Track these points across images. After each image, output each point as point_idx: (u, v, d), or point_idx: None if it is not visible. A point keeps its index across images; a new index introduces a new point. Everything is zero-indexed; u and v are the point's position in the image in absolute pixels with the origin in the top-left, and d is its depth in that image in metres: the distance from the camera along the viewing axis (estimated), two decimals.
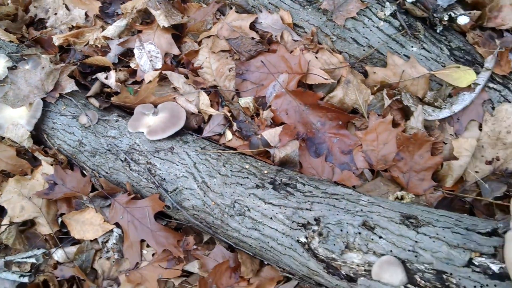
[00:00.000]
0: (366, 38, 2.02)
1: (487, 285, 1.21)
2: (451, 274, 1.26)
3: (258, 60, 2.16)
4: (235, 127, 2.07)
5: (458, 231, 1.34)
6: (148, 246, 1.91)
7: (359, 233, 1.43)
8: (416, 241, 1.34)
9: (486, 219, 1.45)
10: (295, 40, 2.15)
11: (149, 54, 2.27)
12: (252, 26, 2.23)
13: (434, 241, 1.33)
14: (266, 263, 1.80)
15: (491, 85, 1.89)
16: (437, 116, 1.88)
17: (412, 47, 1.96)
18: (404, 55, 1.97)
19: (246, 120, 2.12)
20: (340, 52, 2.09)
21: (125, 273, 1.85)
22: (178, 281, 1.80)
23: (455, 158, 1.81)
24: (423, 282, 1.31)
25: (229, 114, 2.08)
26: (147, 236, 1.87)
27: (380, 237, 1.40)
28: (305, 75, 2.05)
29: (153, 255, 1.88)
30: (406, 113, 1.94)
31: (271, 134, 1.96)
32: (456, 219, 1.40)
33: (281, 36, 2.15)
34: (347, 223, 1.46)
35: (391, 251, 1.37)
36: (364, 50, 2.03)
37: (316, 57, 2.07)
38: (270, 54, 2.16)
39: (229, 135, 2.04)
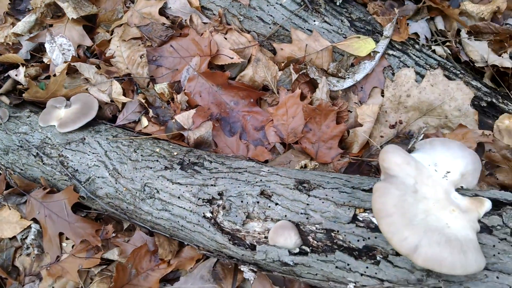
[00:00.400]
0: (271, 15, 2.05)
1: (368, 238, 1.27)
2: (338, 231, 1.32)
3: (171, 46, 2.16)
4: (151, 113, 2.07)
5: (345, 190, 1.40)
6: (67, 238, 1.90)
7: (258, 202, 1.47)
8: (307, 204, 1.40)
9: (374, 177, 1.51)
10: (204, 23, 2.16)
11: (61, 48, 2.24)
12: (162, 12, 2.23)
13: (323, 202, 1.38)
14: (186, 244, 1.82)
15: (390, 52, 1.96)
16: (341, 86, 1.94)
17: (314, 21, 2.01)
18: (307, 29, 2.01)
19: (162, 106, 2.13)
20: (249, 32, 2.12)
21: (46, 268, 1.84)
22: (98, 269, 1.80)
23: (360, 125, 1.87)
24: (315, 242, 1.36)
25: (143, 101, 2.07)
26: (65, 228, 1.86)
27: (277, 204, 1.44)
28: (215, 57, 2.07)
29: (72, 247, 1.87)
30: (314, 86, 1.99)
31: (184, 117, 1.97)
32: (345, 180, 1.46)
33: (190, 19, 2.16)
34: (246, 194, 1.50)
35: (285, 216, 1.41)
36: (270, 27, 2.07)
37: (226, 38, 2.10)
38: (182, 39, 2.17)
39: (144, 121, 2.05)
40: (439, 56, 1.98)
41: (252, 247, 1.48)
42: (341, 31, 1.99)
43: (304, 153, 1.90)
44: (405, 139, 1.91)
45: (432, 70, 1.89)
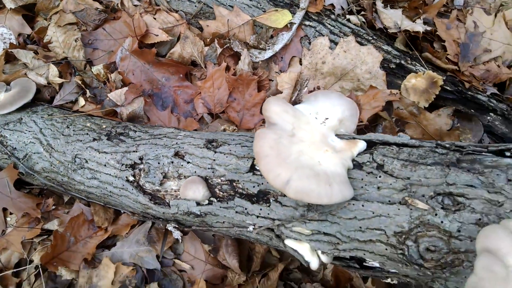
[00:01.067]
0: None
1: (262, 183, 1.40)
2: (238, 180, 1.45)
3: (105, 29, 2.27)
4: (88, 93, 2.19)
5: (246, 145, 1.53)
6: (11, 213, 2.01)
7: (172, 162, 1.60)
8: (214, 160, 1.52)
9: None
10: (135, 5, 2.27)
11: (2, 37, 2.34)
12: None
13: (227, 157, 1.51)
14: (122, 212, 1.94)
15: (307, 22, 2.09)
16: (262, 57, 2.06)
17: None
18: (229, 5, 2.13)
19: (99, 86, 2.24)
20: (177, 11, 2.24)
21: None
22: (39, 239, 1.92)
23: (280, 92, 2.01)
24: (221, 193, 1.49)
25: (80, 82, 2.18)
26: (8, 204, 1.97)
27: (188, 162, 1.57)
28: (145, 36, 2.18)
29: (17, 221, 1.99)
30: (239, 58, 2.11)
31: (117, 94, 2.09)
32: (249, 136, 1.59)
33: (121, 3, 2.27)
34: (162, 156, 1.63)
35: (195, 172, 1.54)
36: (195, 6, 2.19)
37: (155, 18, 2.21)
38: (115, 21, 2.28)
39: (81, 101, 2.16)
40: (354, 24, 2.11)
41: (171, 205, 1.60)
42: (261, 5, 2.11)
43: (230, 121, 2.03)
44: None
45: (345, 38, 2.02)
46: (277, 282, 1.81)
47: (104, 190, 1.78)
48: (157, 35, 2.08)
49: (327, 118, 1.37)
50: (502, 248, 0.94)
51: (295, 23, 2.05)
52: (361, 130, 1.98)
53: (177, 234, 1.73)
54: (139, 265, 1.87)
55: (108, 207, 1.92)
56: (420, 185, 1.17)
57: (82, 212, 1.90)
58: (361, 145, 1.32)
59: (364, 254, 1.26)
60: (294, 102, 1.83)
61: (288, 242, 1.36)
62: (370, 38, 2.05)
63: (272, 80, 2.05)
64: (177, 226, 1.70)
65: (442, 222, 1.10)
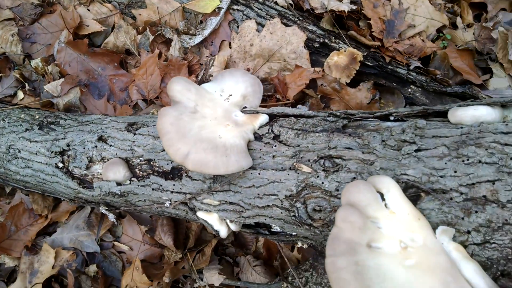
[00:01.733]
0: None
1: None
2: (154, 159, 1.52)
3: (42, 23, 2.31)
4: (27, 87, 2.23)
5: None
6: None
7: (96, 146, 1.66)
8: (133, 141, 1.59)
9: None
10: None
11: None
12: None
13: (145, 138, 1.58)
14: (62, 199, 2.00)
15: (235, 7, 2.15)
16: (193, 42, 2.12)
17: None
18: None
19: (38, 79, 2.28)
20: (110, 2, 2.28)
21: None
22: None
23: (210, 75, 2.07)
24: (141, 172, 1.56)
25: (19, 76, 2.23)
26: None
27: (111, 146, 1.63)
28: (80, 28, 2.23)
29: None
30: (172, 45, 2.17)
31: (53, 86, 2.14)
32: None
33: None
34: (87, 141, 1.69)
35: (116, 154, 1.61)
36: None
37: (89, 10, 2.26)
38: (51, 15, 2.32)
39: (20, 94, 2.21)
40: (281, 7, 2.18)
41: None
42: None
43: (163, 106, 2.09)
44: None
45: (271, 20, 2.09)
46: (212, 257, 1.89)
47: (37, 178, 1.83)
48: (87, 26, 2.12)
49: (231, 95, 1.44)
50: (361, 201, 1.03)
51: (222, 8, 2.11)
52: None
53: (111, 217, 1.79)
54: (79, 249, 1.93)
55: (47, 195, 1.98)
56: (307, 151, 1.25)
57: (21, 201, 1.95)
58: (263, 118, 1.39)
59: (265, 220, 1.34)
60: (201, 81, 1.90)
61: (200, 214, 1.44)
62: (297, 19, 2.12)
63: (202, 64, 2.11)
64: (108, 208, 1.76)
65: (323, 183, 1.19)
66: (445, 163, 1.05)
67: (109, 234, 1.98)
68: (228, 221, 1.42)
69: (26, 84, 2.22)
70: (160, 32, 2.14)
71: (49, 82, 2.23)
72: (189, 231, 1.96)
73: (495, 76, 2.10)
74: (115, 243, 1.97)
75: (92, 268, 1.90)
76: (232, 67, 2.12)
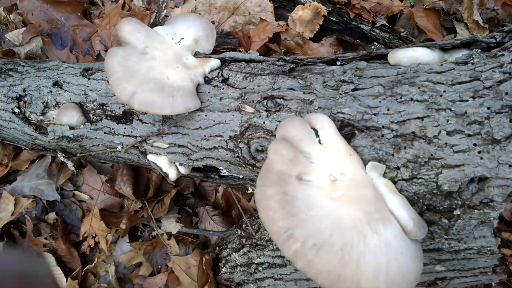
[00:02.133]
0: None
1: (126, 105, 1.47)
2: (107, 104, 1.52)
3: None
4: None
5: None
6: None
7: (51, 91, 1.65)
8: (87, 86, 1.58)
9: None
10: None
11: None
12: None
13: (99, 82, 1.57)
14: (23, 148, 1.99)
15: None
16: None
17: None
18: None
19: (0, 29, 2.23)
20: None
21: None
22: None
23: None
24: (94, 117, 1.56)
25: None
26: None
27: (66, 91, 1.62)
28: None
29: None
30: None
31: (14, 35, 2.10)
32: None
33: None
34: (43, 86, 1.67)
35: (70, 99, 1.60)
36: None
37: None
38: None
39: None
40: None
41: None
42: None
43: None
44: (219, 38, 2.10)
45: None
46: (171, 206, 1.91)
47: None
48: None
49: (182, 38, 1.43)
50: (295, 136, 1.05)
51: None
52: None
53: (70, 165, 1.79)
54: (39, 197, 1.94)
55: (7, 144, 1.97)
56: (252, 92, 1.26)
57: None
58: (213, 62, 1.39)
59: (213, 162, 1.36)
60: (154, 25, 1.88)
61: (150, 156, 1.45)
62: None
63: (167, 16, 2.09)
64: (65, 155, 1.76)
65: (264, 122, 1.20)
66: (379, 102, 1.07)
67: (69, 183, 1.99)
68: (177, 164, 1.43)
69: None
70: None
71: (11, 31, 2.18)
72: (149, 182, 1.98)
73: (459, 35, 2.11)
74: (76, 192, 1.98)
75: (52, 216, 1.92)
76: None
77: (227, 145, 1.29)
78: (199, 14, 2.09)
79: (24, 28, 2.11)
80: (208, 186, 2.00)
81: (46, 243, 1.87)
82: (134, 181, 1.93)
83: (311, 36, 1.99)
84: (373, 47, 2.07)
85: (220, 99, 1.31)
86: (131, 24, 1.37)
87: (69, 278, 1.78)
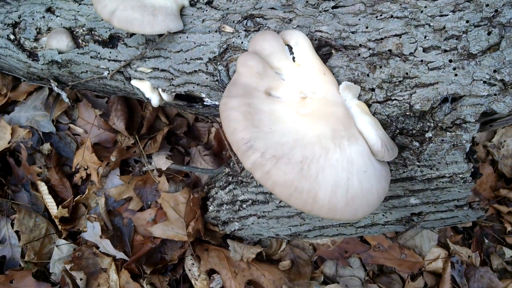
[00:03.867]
0: None
1: (113, 28, 1.45)
2: (95, 28, 1.50)
3: None
4: None
5: None
6: None
7: (43, 17, 1.64)
8: (78, 11, 1.56)
9: None
10: None
11: None
12: None
13: (89, 7, 1.55)
14: (22, 80, 2.01)
15: None
16: None
17: None
18: None
19: None
20: None
21: None
22: None
23: None
24: (83, 43, 1.55)
25: None
26: None
27: (57, 16, 1.61)
28: None
29: None
30: None
31: None
32: None
33: None
34: (36, 11, 1.66)
35: (61, 24, 1.59)
36: None
37: None
38: None
39: None
40: None
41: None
42: None
43: None
44: None
45: None
46: (164, 144, 1.91)
47: None
48: None
49: None
50: (265, 49, 1.01)
51: None
52: None
53: (64, 96, 1.79)
54: (36, 128, 1.97)
55: (5, 74, 1.98)
56: (234, 13, 1.22)
57: None
58: None
59: (194, 87, 1.33)
60: None
61: (133, 82, 1.44)
62: None
63: None
64: (58, 85, 1.77)
65: (242, 42, 1.16)
66: (359, 19, 1.02)
67: (65, 116, 2.01)
68: (160, 90, 1.41)
69: None
70: None
71: None
72: (143, 119, 1.97)
73: None
74: (71, 125, 1.99)
75: (46, 147, 1.94)
76: None
77: (206, 68, 1.26)
78: None
79: None
80: (201, 126, 1.98)
81: (40, 172, 1.90)
82: (127, 117, 1.93)
83: None
84: None
85: (203, 20, 1.27)
86: None
87: (60, 207, 1.81)
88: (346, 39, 1.01)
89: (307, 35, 1.05)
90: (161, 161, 1.83)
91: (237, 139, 0.91)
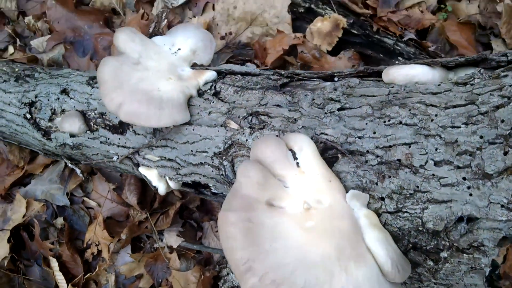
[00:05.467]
0: None
1: None
2: (106, 113, 1.50)
3: None
4: (18, 42, 2.27)
5: None
6: None
7: (58, 98, 1.67)
8: (90, 94, 1.58)
9: None
10: None
11: None
12: None
13: None
14: (39, 153, 2.04)
15: None
16: (177, 2, 2.08)
17: None
18: None
19: (29, 36, 2.32)
20: None
21: None
22: None
23: None
24: (95, 126, 1.55)
25: (11, 31, 2.27)
26: None
27: (71, 98, 1.63)
28: None
29: None
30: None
31: (39, 42, 2.17)
32: None
33: None
34: (52, 93, 1.70)
35: (74, 106, 1.61)
36: None
37: None
38: None
39: (11, 49, 2.25)
40: None
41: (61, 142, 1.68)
42: None
43: None
44: (235, 49, 2.06)
45: None
46: (176, 219, 1.88)
47: (11, 129, 1.87)
48: None
49: (179, 49, 1.39)
50: (268, 157, 0.97)
51: None
52: None
53: (78, 171, 1.80)
54: (50, 201, 1.97)
55: (23, 147, 2.01)
56: (240, 107, 1.19)
57: (1, 152, 2.00)
58: (209, 74, 1.34)
59: (200, 178, 1.30)
60: (153, 34, 1.85)
61: (141, 169, 1.42)
62: None
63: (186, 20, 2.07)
64: (72, 162, 1.78)
65: (247, 140, 1.13)
66: (366, 124, 0.97)
67: (80, 189, 2.00)
68: (167, 178, 1.39)
69: (18, 39, 2.26)
70: None
71: (37, 39, 2.25)
72: (156, 193, 1.94)
73: (495, 52, 1.93)
74: (85, 198, 1.99)
75: (60, 221, 1.94)
76: (214, 30, 2.06)
77: (212, 162, 1.22)
78: (217, 24, 2.06)
79: (48, 36, 2.16)
80: (214, 200, 1.93)
81: (52, 248, 1.88)
82: (140, 191, 1.91)
83: (329, 49, 1.90)
84: (396, 62, 1.93)
85: (209, 113, 1.25)
86: (126, 33, 1.35)
87: (69, 285, 1.78)
88: (352, 144, 0.96)
89: (312, 138, 1.01)
90: (172, 238, 1.79)
91: (235, 259, 0.86)
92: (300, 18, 1.99)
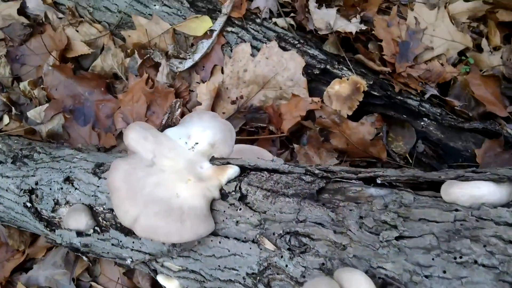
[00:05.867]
0: (116, 4, 2.08)
1: None
2: None
3: (31, 43, 2.21)
4: (14, 111, 2.13)
5: None
6: None
7: (62, 188, 1.52)
8: (98, 186, 1.44)
9: None
10: (60, 18, 2.19)
11: None
12: (24, 12, 2.27)
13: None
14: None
15: (229, 29, 1.96)
16: (183, 67, 1.96)
17: (154, 5, 2.02)
18: (148, 14, 2.03)
19: (25, 103, 2.18)
20: (100, 22, 2.14)
21: None
22: None
23: (200, 104, 1.90)
24: (104, 222, 1.41)
25: (5, 99, 2.13)
26: None
27: (76, 189, 1.49)
28: (68, 50, 2.11)
29: None
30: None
31: (36, 112, 2.03)
32: None
33: (45, 16, 2.20)
34: (54, 181, 1.55)
35: (80, 199, 1.46)
36: (116, 16, 2.09)
37: (77, 31, 2.13)
38: (41, 36, 2.21)
39: (6, 119, 2.11)
40: (281, 28, 1.97)
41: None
42: (181, 12, 2.00)
43: None
44: (247, 114, 1.93)
45: (268, 43, 1.89)
46: None
47: (9, 215, 1.72)
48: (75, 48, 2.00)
49: (197, 143, 1.25)
50: None
51: (215, 30, 1.93)
52: (282, 141, 1.86)
53: (85, 258, 1.65)
54: None
55: (23, 230, 1.86)
56: (273, 220, 1.05)
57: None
58: (231, 171, 1.20)
59: None
60: (166, 126, 1.72)
61: (159, 278, 1.27)
62: (297, 42, 1.91)
63: (193, 91, 1.94)
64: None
65: (287, 266, 0.99)
66: (433, 259, 0.83)
67: (86, 273, 1.85)
68: None
69: (13, 108, 2.12)
70: (149, 55, 1.98)
71: (36, 107, 2.12)
72: None
73: None
74: (92, 283, 1.83)
75: None
76: (224, 94, 1.94)
77: (244, 281, 1.08)
78: (227, 88, 1.93)
79: (46, 105, 2.03)
80: None
81: None
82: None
83: (350, 114, 1.77)
84: (422, 123, 1.81)
85: (237, 222, 1.11)
86: (137, 129, 1.22)
87: None
88: (419, 284, 0.82)
89: (367, 271, 0.87)
90: None
91: None
92: (316, 80, 1.87)
